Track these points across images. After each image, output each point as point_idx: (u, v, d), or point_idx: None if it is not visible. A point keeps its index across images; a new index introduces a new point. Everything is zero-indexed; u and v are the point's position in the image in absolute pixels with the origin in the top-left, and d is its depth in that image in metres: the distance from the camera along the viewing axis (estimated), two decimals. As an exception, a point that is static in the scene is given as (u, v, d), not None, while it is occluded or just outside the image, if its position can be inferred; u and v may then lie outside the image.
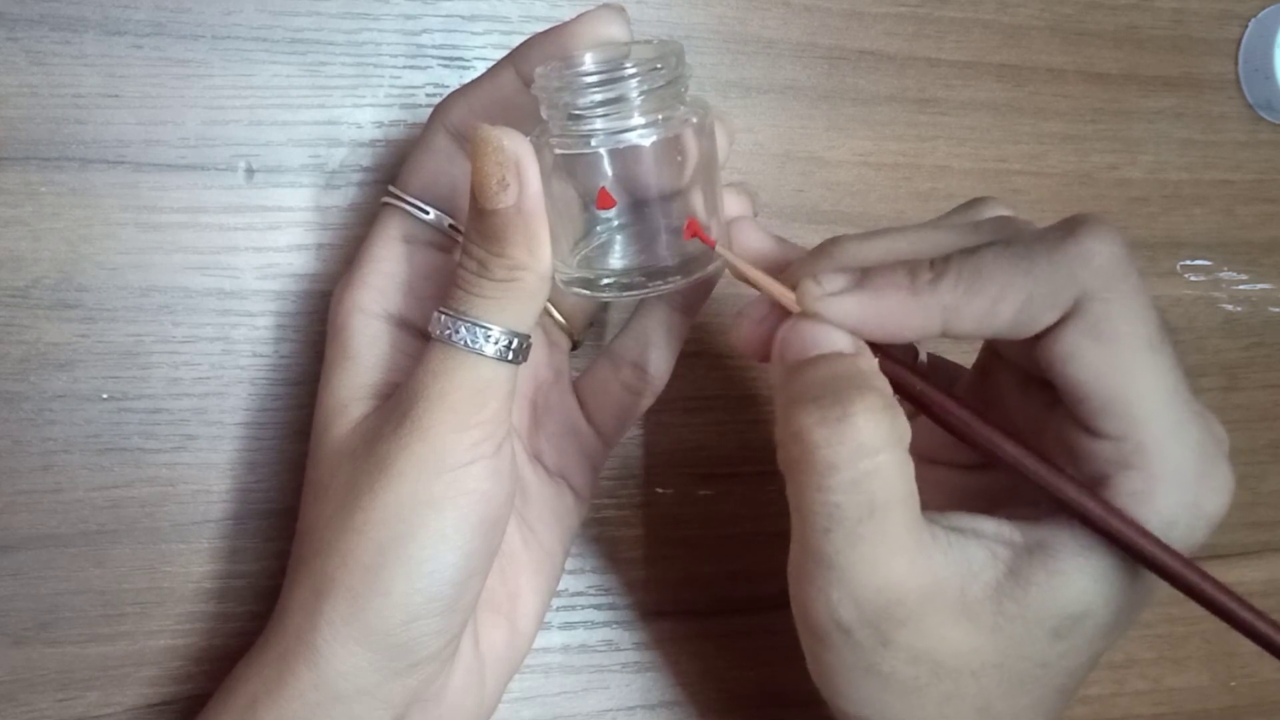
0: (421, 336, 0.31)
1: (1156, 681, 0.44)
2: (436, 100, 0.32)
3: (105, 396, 0.35)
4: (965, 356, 0.34)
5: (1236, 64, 0.46)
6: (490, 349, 0.28)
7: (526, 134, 0.27)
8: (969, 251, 0.27)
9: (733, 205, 0.31)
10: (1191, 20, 0.46)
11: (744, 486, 0.40)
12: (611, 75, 0.27)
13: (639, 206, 0.28)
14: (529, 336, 0.29)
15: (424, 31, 0.38)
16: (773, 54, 0.41)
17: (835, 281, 0.27)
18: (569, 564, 0.37)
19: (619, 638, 0.39)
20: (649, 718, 0.39)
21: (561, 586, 0.38)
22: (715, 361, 0.40)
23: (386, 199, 0.32)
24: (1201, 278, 0.45)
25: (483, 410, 0.28)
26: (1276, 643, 0.26)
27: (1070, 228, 0.27)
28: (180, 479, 0.35)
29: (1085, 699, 0.43)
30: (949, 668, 0.27)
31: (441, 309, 0.28)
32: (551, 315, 0.35)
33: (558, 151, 0.27)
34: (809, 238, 0.40)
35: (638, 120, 0.27)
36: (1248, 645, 0.27)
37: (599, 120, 0.27)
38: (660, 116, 0.27)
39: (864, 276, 0.27)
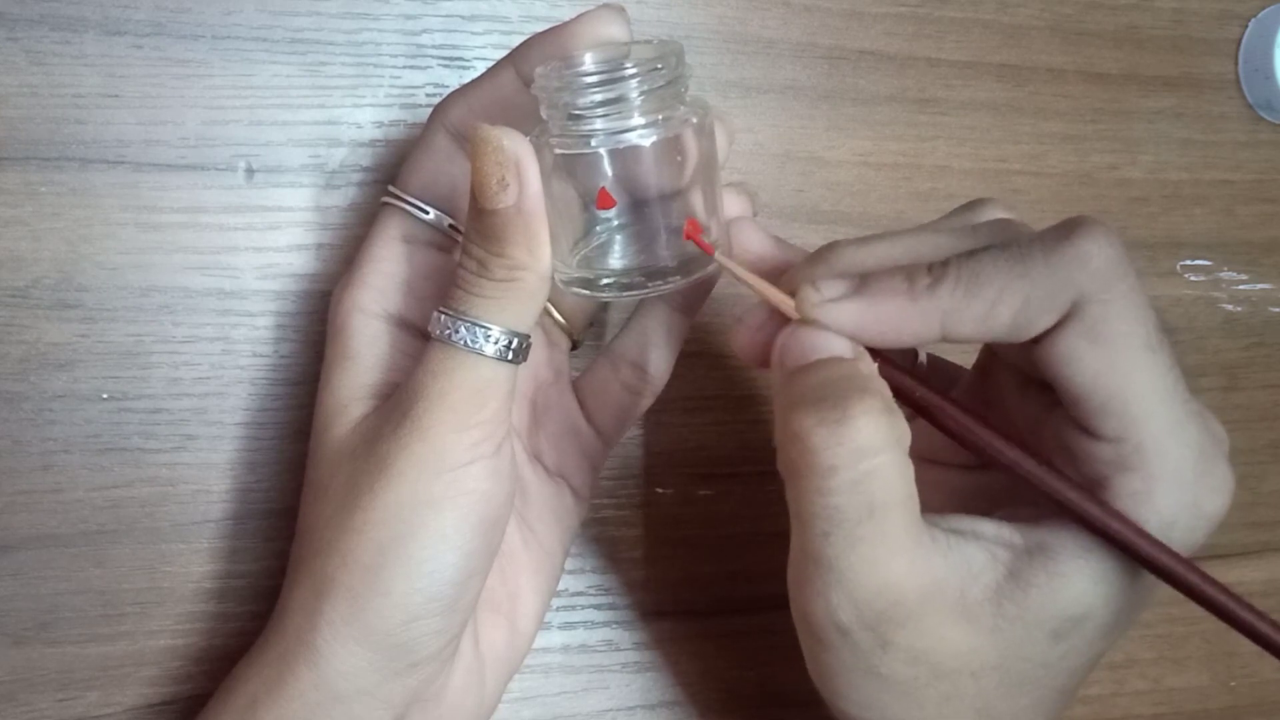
0: (421, 336, 0.31)
1: (1156, 681, 0.44)
2: (436, 100, 0.32)
3: (105, 396, 0.35)
4: (965, 357, 0.34)
5: (1236, 64, 0.46)
6: (490, 349, 0.28)
7: (526, 134, 0.27)
8: (966, 256, 0.27)
9: (733, 205, 0.31)
10: (1191, 20, 0.46)
11: (744, 486, 0.40)
12: (611, 75, 0.27)
13: (639, 206, 0.28)
14: (529, 336, 0.29)
15: (424, 31, 0.38)
16: (773, 54, 0.41)
17: (834, 288, 0.27)
18: (569, 564, 0.37)
19: (619, 638, 0.39)
20: (649, 718, 0.39)
21: (561, 586, 0.38)
22: (715, 361, 0.40)
23: (386, 199, 0.32)
24: (1201, 278, 0.45)
25: (483, 410, 0.28)
26: (1276, 643, 0.26)
27: (1067, 230, 0.27)
28: (180, 479, 0.35)
29: (1085, 699, 0.43)
30: (948, 669, 0.27)
31: (441, 309, 0.28)
32: (551, 315, 0.35)
33: (558, 151, 0.27)
34: (809, 238, 0.41)
35: (638, 120, 0.27)
36: (1248, 645, 0.27)
37: (599, 120, 0.27)
38: (660, 117, 0.27)
39: (862, 282, 0.27)
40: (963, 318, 0.26)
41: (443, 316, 0.28)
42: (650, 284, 0.29)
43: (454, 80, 0.38)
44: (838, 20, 0.42)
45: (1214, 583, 0.27)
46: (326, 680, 0.28)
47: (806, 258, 0.29)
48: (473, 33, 0.38)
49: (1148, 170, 0.45)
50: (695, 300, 0.35)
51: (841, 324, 0.27)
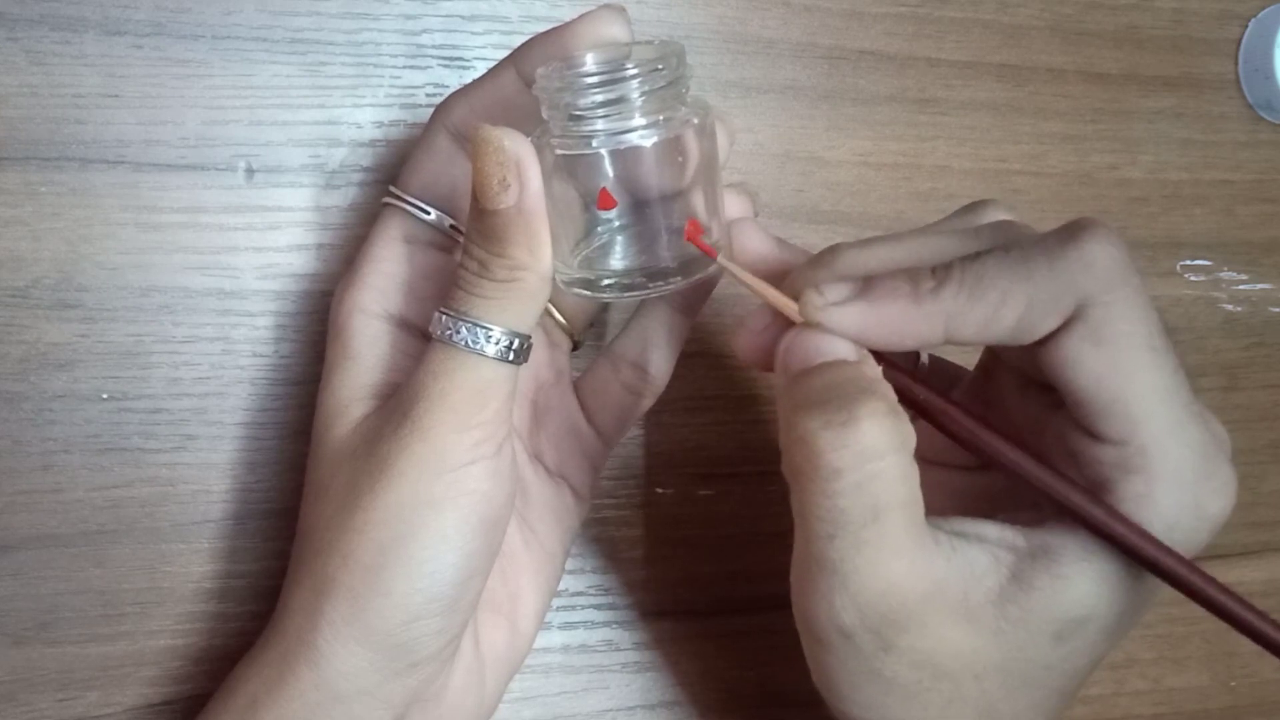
0: (422, 337, 0.31)
1: (1156, 681, 0.44)
2: (436, 100, 0.32)
3: (105, 396, 0.35)
4: (966, 358, 0.34)
5: (1236, 64, 0.46)
6: (491, 349, 0.28)
7: (527, 134, 0.27)
8: (970, 258, 0.27)
9: (733, 206, 0.31)
10: (1191, 20, 0.46)
11: (744, 486, 0.40)
12: (612, 76, 0.27)
13: (640, 207, 0.28)
14: (530, 337, 0.29)
15: (424, 31, 0.38)
16: (773, 54, 0.41)
17: (837, 291, 0.27)
18: (569, 564, 0.37)
19: (619, 638, 0.39)
20: (649, 718, 0.39)
21: (561, 586, 0.38)
22: (715, 361, 0.40)
23: (387, 199, 0.32)
24: (1201, 278, 0.46)
25: (483, 410, 0.28)
26: (1277, 643, 0.26)
27: (1071, 233, 0.27)
28: (180, 479, 0.35)
29: (1085, 699, 0.43)
30: (951, 671, 0.27)
31: (442, 309, 0.28)
32: (552, 316, 0.35)
33: (559, 152, 0.27)
34: (809, 238, 0.41)
35: (639, 121, 0.27)
36: (1248, 645, 0.27)
37: (600, 121, 0.27)
38: (661, 117, 0.27)
39: (866, 286, 0.27)
40: (966, 320, 0.26)
41: (444, 317, 0.28)
42: (651, 285, 0.28)
43: (454, 80, 0.38)
44: (838, 20, 0.42)
45: (1217, 585, 0.27)
46: (327, 680, 0.28)
47: (809, 261, 0.29)
48: (473, 33, 0.38)
49: (1148, 170, 0.45)
50: (696, 301, 0.35)
51: (845, 327, 0.27)
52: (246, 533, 0.36)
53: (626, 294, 0.29)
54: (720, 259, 0.28)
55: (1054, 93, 0.44)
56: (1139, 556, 0.26)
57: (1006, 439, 0.27)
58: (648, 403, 0.35)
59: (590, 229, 0.28)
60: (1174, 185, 0.45)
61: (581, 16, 0.29)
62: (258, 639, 0.31)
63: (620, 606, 0.39)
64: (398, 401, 0.29)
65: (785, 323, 0.28)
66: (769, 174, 0.41)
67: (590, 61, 0.28)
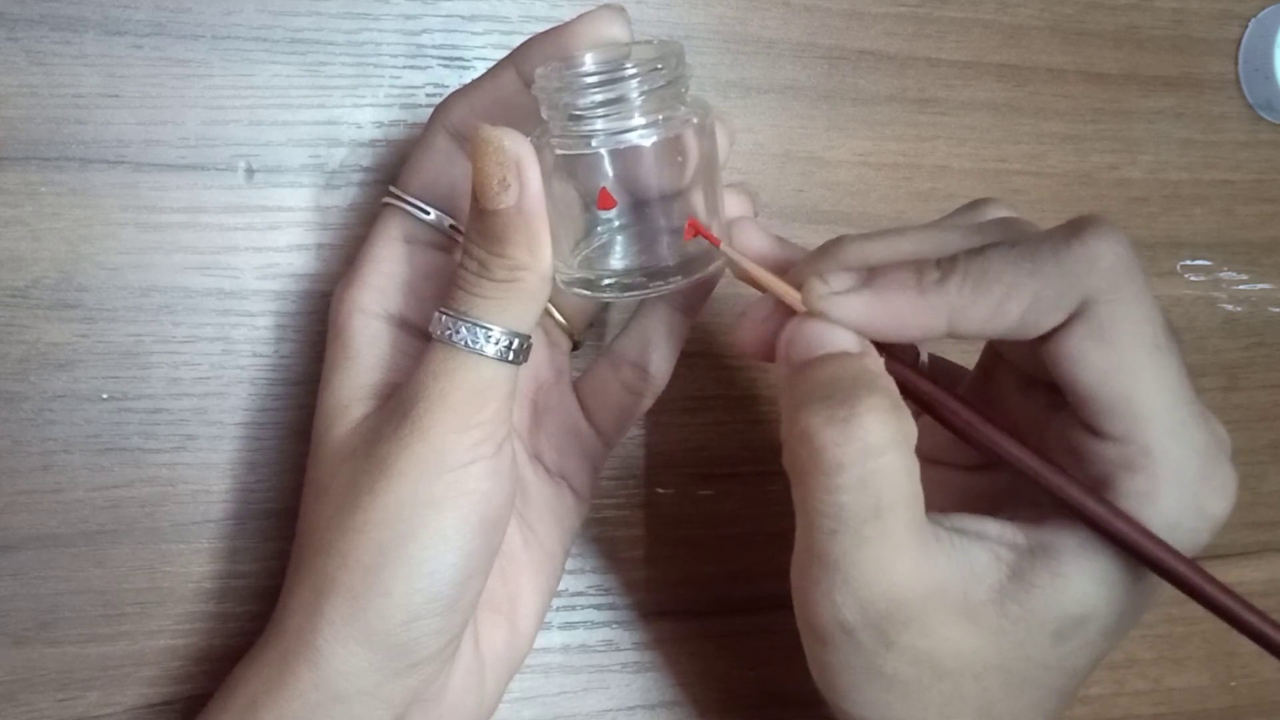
0: (422, 337, 0.31)
1: (1156, 681, 0.44)
2: (436, 100, 0.32)
3: (105, 396, 0.35)
4: (967, 357, 0.34)
5: (1236, 64, 0.46)
6: (491, 349, 0.28)
7: (527, 134, 0.27)
8: (975, 252, 0.27)
9: (733, 206, 0.31)
10: (1191, 20, 0.46)
11: (744, 486, 0.40)
12: (612, 76, 0.27)
13: (640, 207, 0.28)
14: (530, 337, 0.29)
15: (424, 31, 0.38)
16: (773, 54, 0.41)
17: (841, 280, 0.27)
18: (569, 564, 0.37)
19: (619, 638, 0.39)
20: (649, 718, 0.39)
21: (561, 586, 0.38)
22: (715, 361, 0.40)
23: (387, 199, 0.32)
24: (1201, 278, 0.46)
25: (483, 410, 0.28)
26: (1277, 643, 0.26)
27: (1076, 229, 0.26)
28: (180, 479, 0.35)
29: (1085, 699, 0.43)
30: (951, 669, 0.27)
31: (442, 309, 0.28)
32: (552, 315, 0.35)
33: (558, 152, 0.27)
34: (809, 238, 0.40)
35: (638, 121, 0.27)
36: (1248, 645, 0.27)
37: (599, 121, 0.27)
38: (661, 117, 0.27)
39: (870, 276, 0.27)
40: (970, 313, 0.26)
41: (443, 317, 0.28)
42: (651, 284, 0.28)
43: (454, 80, 0.38)
44: (838, 20, 0.42)
45: (1217, 584, 0.26)
46: (327, 680, 0.28)
47: (813, 252, 0.29)
48: (473, 33, 0.38)
49: (1148, 170, 0.45)
50: (696, 300, 0.35)
51: (848, 317, 0.27)
52: (246, 533, 0.36)
53: (626, 294, 0.29)
54: (724, 246, 0.28)
55: (1054, 93, 0.44)
56: (1141, 554, 0.26)
57: (1008, 434, 0.27)
58: (648, 403, 0.35)
59: (590, 229, 0.28)
60: (1174, 185, 0.45)
61: (581, 16, 0.29)
62: (258, 639, 0.31)
63: (620, 606, 0.39)
64: (397, 401, 0.29)
65: (787, 313, 0.28)
66: (769, 174, 0.41)
67: (590, 61, 0.28)
